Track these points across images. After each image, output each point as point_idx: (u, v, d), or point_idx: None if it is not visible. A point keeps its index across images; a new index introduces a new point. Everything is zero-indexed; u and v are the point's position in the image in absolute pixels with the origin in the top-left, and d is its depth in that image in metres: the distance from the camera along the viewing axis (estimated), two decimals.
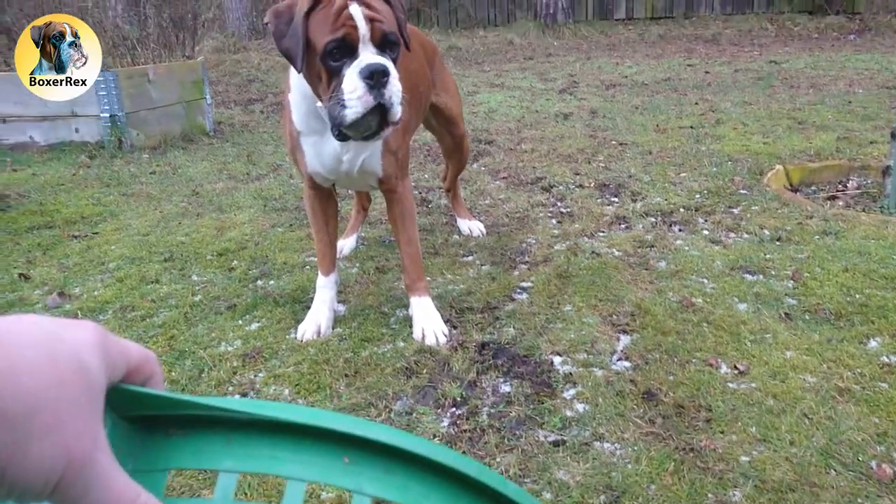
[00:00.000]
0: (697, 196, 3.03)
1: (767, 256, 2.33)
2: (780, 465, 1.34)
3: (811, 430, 1.43)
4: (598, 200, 3.07)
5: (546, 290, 2.17)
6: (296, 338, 1.94)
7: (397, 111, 1.56)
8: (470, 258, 2.50)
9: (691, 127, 4.42)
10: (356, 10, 1.54)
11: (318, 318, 1.97)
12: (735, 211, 2.83)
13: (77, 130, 4.42)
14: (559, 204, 3.05)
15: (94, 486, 0.33)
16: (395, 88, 1.54)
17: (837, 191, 3.26)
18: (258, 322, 2.06)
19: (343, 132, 1.60)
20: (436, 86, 2.35)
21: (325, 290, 2.01)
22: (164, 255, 2.61)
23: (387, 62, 1.54)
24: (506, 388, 1.67)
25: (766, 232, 2.56)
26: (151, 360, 0.40)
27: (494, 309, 2.07)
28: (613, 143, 4.11)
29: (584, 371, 1.70)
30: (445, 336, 1.90)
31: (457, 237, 2.71)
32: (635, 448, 1.41)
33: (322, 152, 1.83)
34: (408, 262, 1.98)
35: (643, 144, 4.00)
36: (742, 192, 3.07)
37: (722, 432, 1.44)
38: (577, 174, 3.48)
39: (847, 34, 9.45)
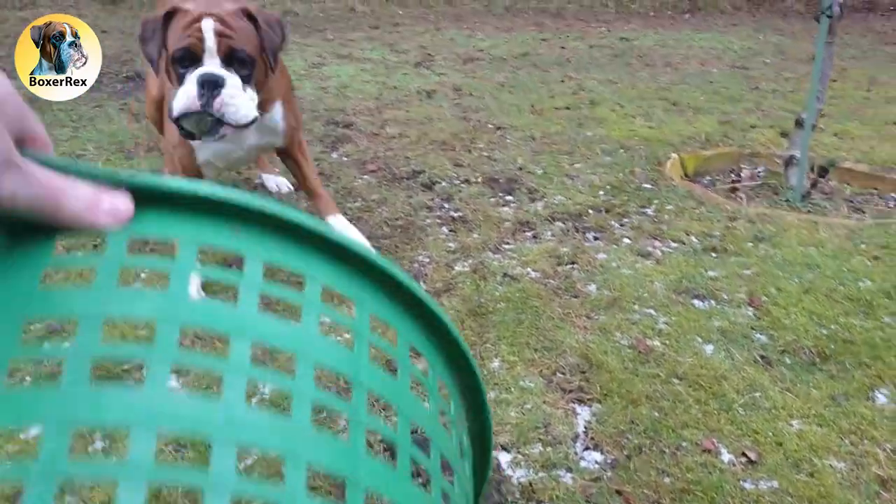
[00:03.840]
0: (601, 193, 2.64)
1: (710, 274, 1.96)
2: None
3: None
4: (492, 200, 2.57)
5: (461, 335, 1.64)
6: None
7: (234, 119, 1.56)
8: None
9: (567, 108, 4.06)
10: (207, 24, 1.55)
11: None
12: (648, 211, 2.46)
13: None
14: (447, 206, 2.52)
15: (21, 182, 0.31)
16: (229, 99, 1.54)
17: (734, 181, 3.04)
18: None
19: (181, 127, 1.57)
20: None
21: None
22: None
23: (226, 75, 1.55)
24: None
25: (695, 239, 2.20)
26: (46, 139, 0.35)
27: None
28: (490, 126, 3.64)
29: (548, 478, 1.20)
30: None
31: None
32: None
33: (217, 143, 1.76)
34: (316, 196, 2.03)
35: (523, 128, 3.57)
36: (647, 186, 2.71)
37: None
38: (459, 165, 2.97)
39: (682, 13, 9.74)
